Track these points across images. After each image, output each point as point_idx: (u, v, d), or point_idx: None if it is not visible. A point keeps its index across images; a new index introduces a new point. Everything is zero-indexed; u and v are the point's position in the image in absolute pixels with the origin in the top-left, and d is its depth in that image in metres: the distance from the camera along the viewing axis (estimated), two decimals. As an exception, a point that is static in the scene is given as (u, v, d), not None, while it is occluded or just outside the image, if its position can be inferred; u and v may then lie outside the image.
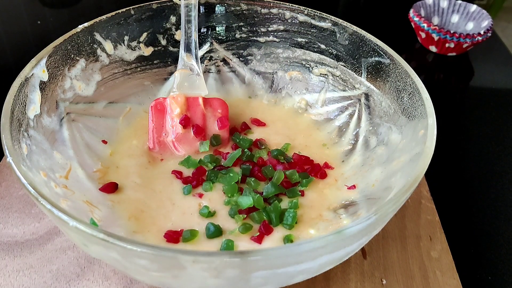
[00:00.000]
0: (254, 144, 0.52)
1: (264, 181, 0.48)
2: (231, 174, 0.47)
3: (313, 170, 0.49)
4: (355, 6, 0.99)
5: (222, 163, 0.50)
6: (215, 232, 0.42)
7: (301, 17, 0.55)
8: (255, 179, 0.47)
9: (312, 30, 0.55)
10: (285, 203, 0.46)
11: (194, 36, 0.52)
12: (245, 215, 0.44)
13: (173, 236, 0.42)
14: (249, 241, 0.42)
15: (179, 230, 0.42)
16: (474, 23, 0.80)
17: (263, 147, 0.52)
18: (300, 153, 0.52)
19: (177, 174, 0.48)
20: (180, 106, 0.51)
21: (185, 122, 0.50)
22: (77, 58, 0.49)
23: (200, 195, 0.46)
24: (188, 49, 0.52)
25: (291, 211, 0.44)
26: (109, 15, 0.51)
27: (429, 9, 0.82)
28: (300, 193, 0.47)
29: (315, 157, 0.51)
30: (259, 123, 0.55)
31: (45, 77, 0.44)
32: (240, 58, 0.59)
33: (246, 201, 0.44)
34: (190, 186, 0.47)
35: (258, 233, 0.43)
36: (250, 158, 0.50)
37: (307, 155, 0.51)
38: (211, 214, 0.44)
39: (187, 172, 0.49)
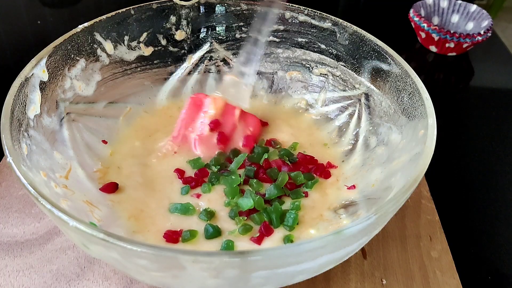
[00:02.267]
0: (268, 143, 0.52)
1: (269, 183, 0.47)
2: (233, 177, 0.47)
3: (318, 170, 0.49)
4: (355, 6, 0.99)
5: (228, 168, 0.49)
6: (214, 233, 0.42)
7: (301, 17, 0.55)
8: (257, 181, 0.47)
9: (312, 30, 0.55)
10: (287, 204, 0.46)
11: (260, 50, 0.51)
12: (246, 217, 0.44)
13: (172, 236, 0.42)
14: (248, 242, 0.42)
15: (179, 230, 0.42)
16: (474, 23, 0.80)
17: (278, 146, 0.52)
18: (305, 152, 0.51)
19: (179, 173, 0.48)
20: (216, 109, 0.50)
21: (214, 126, 0.50)
22: (77, 58, 0.48)
23: (198, 196, 0.46)
24: (249, 60, 0.51)
25: (292, 212, 0.44)
26: (109, 15, 0.51)
27: (429, 9, 0.82)
28: (304, 195, 0.47)
29: (317, 157, 0.51)
30: (262, 123, 0.55)
31: (45, 77, 0.44)
32: (240, 58, 0.59)
33: (246, 202, 0.44)
34: (188, 186, 0.47)
35: (258, 234, 0.42)
36: (256, 161, 0.50)
37: (311, 155, 0.51)
38: (210, 216, 0.44)
39: (191, 172, 0.49)
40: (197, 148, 0.50)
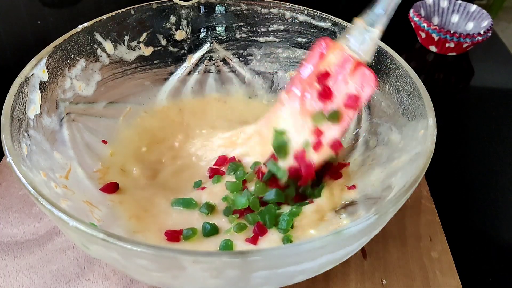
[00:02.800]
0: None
1: (277, 187, 0.46)
2: (245, 171, 0.47)
3: (330, 171, 0.48)
4: (355, 6, 0.99)
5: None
6: (211, 230, 0.42)
7: (301, 17, 0.55)
8: (262, 185, 0.46)
9: (312, 30, 0.55)
10: (286, 206, 0.45)
11: (395, 7, 0.46)
12: (238, 215, 0.44)
13: (173, 235, 0.42)
14: (244, 243, 0.42)
15: (179, 229, 0.42)
16: (474, 23, 0.80)
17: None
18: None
19: (222, 159, 0.49)
20: (333, 57, 0.44)
21: (322, 78, 0.44)
22: (77, 58, 0.48)
23: (202, 188, 0.46)
24: (386, 11, 0.46)
25: (285, 215, 0.43)
26: (109, 15, 0.51)
27: (429, 9, 0.82)
28: (308, 202, 0.46)
29: None
30: None
31: (45, 77, 0.44)
32: (240, 58, 0.59)
33: (241, 200, 0.44)
34: (200, 181, 0.47)
35: (253, 234, 0.42)
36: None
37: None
38: (211, 209, 0.44)
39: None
40: (293, 92, 0.46)
